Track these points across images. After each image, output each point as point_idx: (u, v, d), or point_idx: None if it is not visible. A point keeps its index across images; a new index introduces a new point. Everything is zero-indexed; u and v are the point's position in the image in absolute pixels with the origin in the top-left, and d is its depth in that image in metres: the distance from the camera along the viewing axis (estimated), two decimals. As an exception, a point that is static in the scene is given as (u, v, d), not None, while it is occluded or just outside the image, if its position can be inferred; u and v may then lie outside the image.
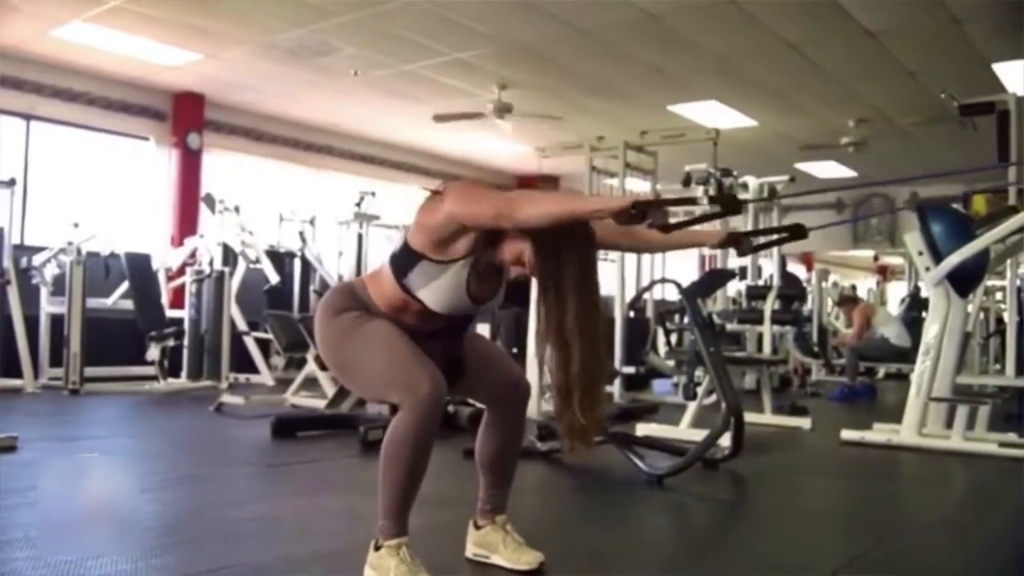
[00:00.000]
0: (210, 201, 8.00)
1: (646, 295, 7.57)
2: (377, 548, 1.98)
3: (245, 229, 7.90)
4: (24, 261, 6.96)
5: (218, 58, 7.90)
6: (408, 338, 1.99)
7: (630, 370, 7.05)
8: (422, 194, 1.98)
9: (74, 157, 8.69)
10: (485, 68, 7.84)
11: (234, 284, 7.57)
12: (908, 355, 6.86)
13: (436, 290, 1.96)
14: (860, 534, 2.83)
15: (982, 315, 8.23)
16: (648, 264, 8.32)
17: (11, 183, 6.83)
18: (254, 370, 7.68)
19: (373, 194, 9.44)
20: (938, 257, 4.62)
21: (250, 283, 8.01)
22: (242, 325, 7.65)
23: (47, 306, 7.07)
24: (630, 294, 7.31)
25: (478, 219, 1.85)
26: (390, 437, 1.93)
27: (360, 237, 9.49)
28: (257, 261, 7.94)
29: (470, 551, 2.25)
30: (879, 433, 4.77)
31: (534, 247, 1.88)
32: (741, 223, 8.67)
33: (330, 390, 5.53)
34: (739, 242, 2.24)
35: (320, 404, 5.45)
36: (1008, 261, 6.10)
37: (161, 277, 8.02)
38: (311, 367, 5.92)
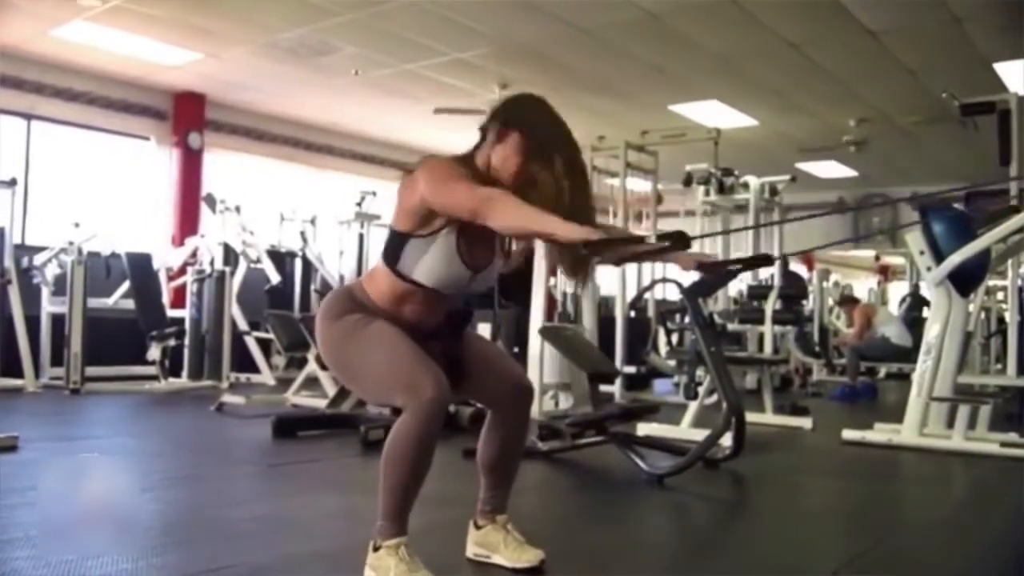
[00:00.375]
0: (211, 201, 8.00)
1: (647, 295, 7.56)
2: (376, 549, 1.98)
3: (246, 229, 7.90)
4: (25, 261, 6.96)
5: (219, 58, 7.91)
6: (411, 340, 1.98)
7: (631, 370, 7.05)
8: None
9: (75, 157, 8.70)
10: (486, 68, 7.84)
11: (235, 284, 7.57)
12: (909, 355, 6.85)
13: (430, 264, 1.96)
14: (861, 534, 2.83)
15: (983, 315, 8.22)
16: (649, 264, 8.31)
17: (12, 183, 6.84)
18: (255, 370, 7.68)
19: (374, 193, 9.44)
20: (939, 257, 4.61)
21: (251, 283, 8.01)
22: (243, 325, 7.65)
23: (48, 306, 7.07)
24: (631, 294, 7.30)
25: (454, 212, 1.89)
26: (392, 439, 1.93)
27: (361, 237, 9.49)
28: (258, 261, 7.94)
29: (470, 551, 2.25)
30: (880, 433, 4.77)
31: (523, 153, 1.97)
32: (741, 221, 8.68)
33: (331, 390, 5.53)
34: (708, 270, 2.27)
35: (321, 404, 5.45)
36: (1009, 261, 6.09)
37: (162, 277, 8.03)
38: (312, 367, 5.92)
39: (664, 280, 5.33)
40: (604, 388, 5.93)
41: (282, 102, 9.49)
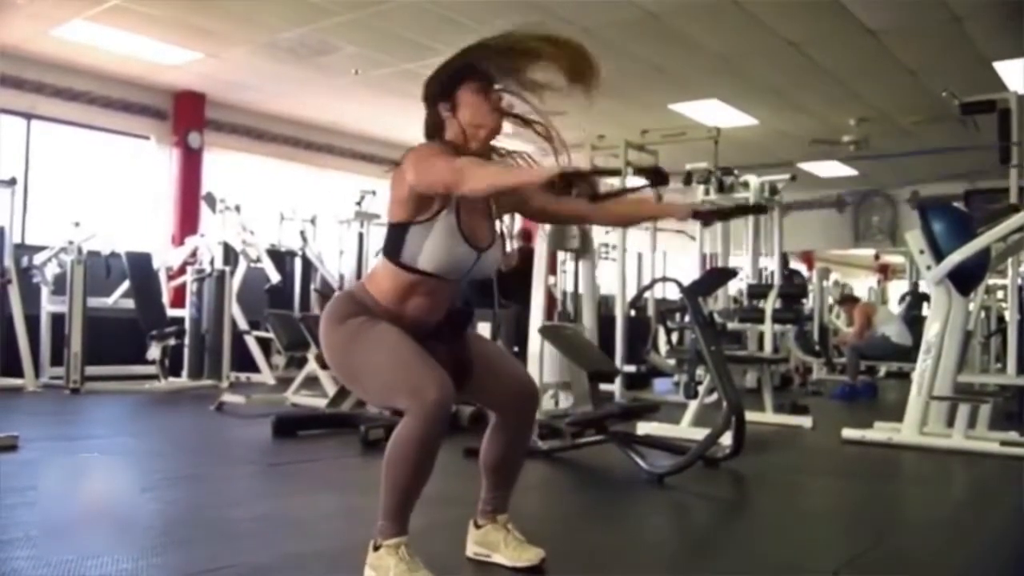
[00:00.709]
0: (211, 200, 8.00)
1: (647, 294, 7.56)
2: (376, 548, 1.98)
3: (246, 228, 7.90)
4: (25, 260, 6.96)
5: (219, 57, 7.90)
6: (415, 343, 1.98)
7: (631, 369, 7.04)
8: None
9: (75, 156, 8.70)
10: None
11: (235, 283, 7.56)
12: (909, 353, 6.85)
13: (433, 248, 1.97)
14: (861, 533, 2.83)
15: (983, 314, 8.21)
16: (649, 263, 8.32)
17: (12, 182, 6.84)
18: (255, 369, 7.68)
19: (374, 193, 9.43)
20: (939, 255, 4.61)
21: (251, 282, 8.01)
22: (243, 324, 7.65)
23: (48, 305, 7.07)
24: (631, 293, 7.30)
25: (433, 189, 1.93)
26: (395, 441, 1.93)
27: (361, 236, 9.48)
28: (258, 260, 7.93)
29: (471, 550, 2.25)
30: (880, 432, 4.77)
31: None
32: (741, 223, 8.66)
33: (331, 389, 5.53)
34: (704, 217, 2.24)
35: (321, 403, 5.45)
36: (1009, 260, 6.09)
37: (162, 276, 8.02)
38: (312, 366, 5.92)
39: (664, 279, 5.33)
40: (604, 387, 5.92)
41: (282, 102, 9.48)
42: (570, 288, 6.85)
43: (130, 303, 7.26)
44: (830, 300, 10.79)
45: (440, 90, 2.06)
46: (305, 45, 7.48)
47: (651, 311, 7.74)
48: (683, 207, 2.19)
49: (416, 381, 1.89)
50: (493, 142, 2.07)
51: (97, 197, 8.65)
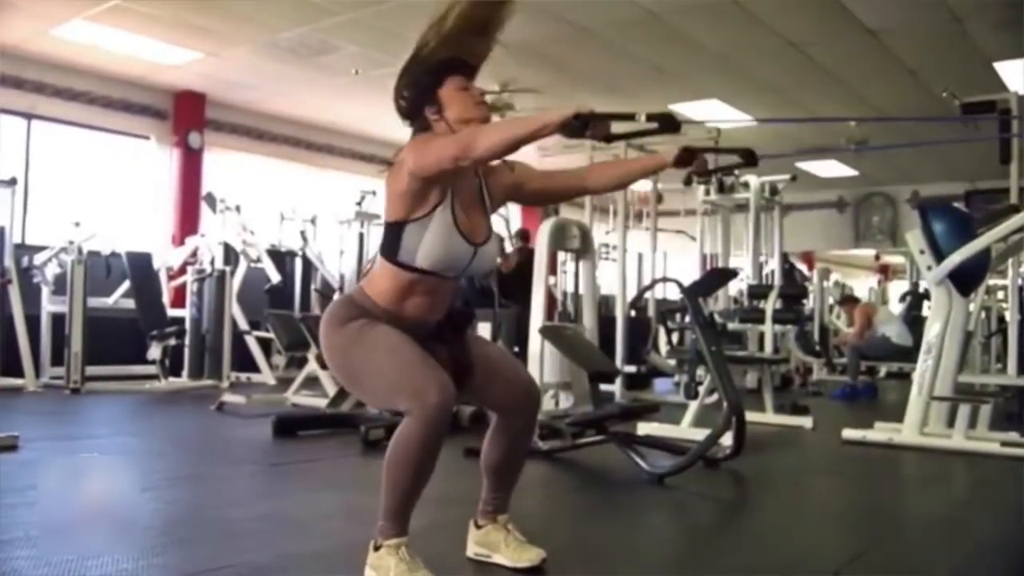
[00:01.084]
0: (211, 200, 8.00)
1: (647, 294, 7.56)
2: (377, 548, 1.98)
3: (246, 228, 7.90)
4: (25, 260, 6.96)
5: (219, 57, 7.90)
6: (416, 344, 1.98)
7: (631, 369, 7.04)
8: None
9: (75, 156, 8.70)
10: (486, 67, 7.82)
11: (235, 283, 7.56)
12: (910, 354, 6.84)
13: (430, 245, 1.97)
14: (862, 533, 2.83)
15: (983, 314, 8.21)
16: (649, 263, 8.32)
17: (12, 182, 6.83)
18: (255, 369, 7.68)
19: (374, 193, 9.43)
20: (940, 256, 4.61)
21: (251, 282, 8.01)
22: (243, 324, 7.65)
23: (48, 305, 7.07)
24: (631, 293, 7.30)
25: (441, 166, 1.90)
26: (396, 442, 1.92)
27: (361, 236, 9.48)
28: (258, 260, 7.93)
29: (471, 551, 2.24)
30: (881, 432, 4.77)
31: None
32: (741, 221, 8.67)
33: (331, 389, 5.53)
34: (693, 158, 2.14)
35: (321, 403, 5.45)
36: (1009, 260, 6.09)
37: (162, 276, 8.03)
38: (312, 366, 5.92)
39: (664, 279, 5.33)
40: (604, 387, 5.92)
41: (282, 101, 9.48)
42: (570, 288, 6.86)
43: (130, 303, 7.26)
44: (830, 300, 10.79)
45: (422, 97, 2.05)
46: (305, 45, 7.48)
47: (651, 311, 7.74)
48: (672, 150, 2.12)
49: (417, 383, 1.89)
50: None
51: (97, 197, 8.65)
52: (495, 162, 2.05)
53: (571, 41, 7.16)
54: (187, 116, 9.21)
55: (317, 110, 9.82)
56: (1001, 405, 5.58)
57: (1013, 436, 4.55)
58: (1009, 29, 6.39)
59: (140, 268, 7.37)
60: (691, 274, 8.06)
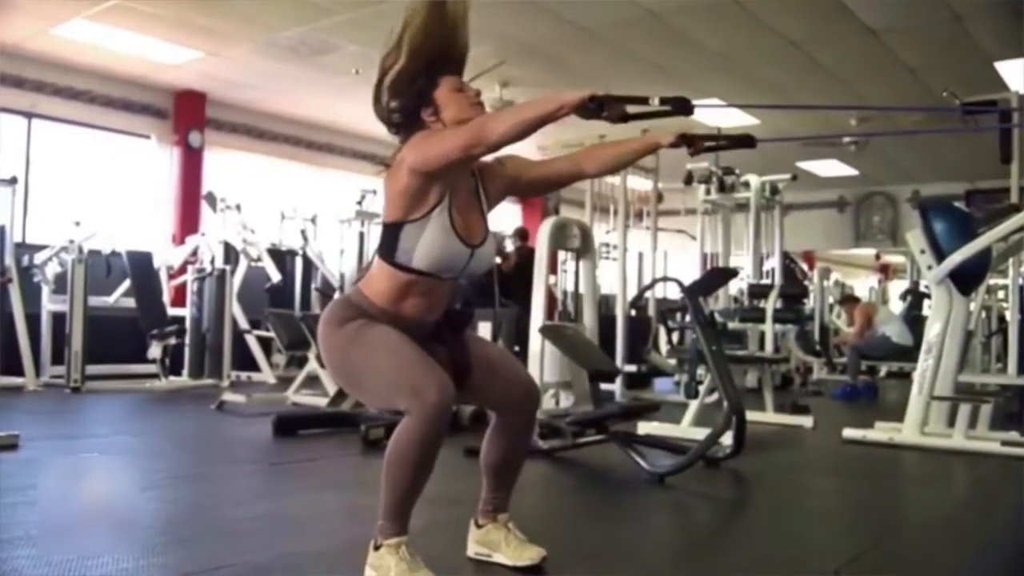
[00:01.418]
0: (211, 199, 8.00)
1: (648, 293, 7.56)
2: (377, 548, 1.98)
3: (247, 227, 7.89)
4: (26, 259, 6.96)
5: (219, 56, 7.90)
6: (414, 344, 1.98)
7: (632, 368, 7.04)
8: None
9: (75, 155, 8.70)
10: (486, 66, 7.82)
11: (235, 282, 7.57)
12: (910, 353, 6.85)
13: (427, 247, 1.96)
14: (862, 532, 2.83)
15: (984, 313, 8.21)
16: (650, 263, 8.31)
17: (13, 181, 6.83)
18: (255, 368, 7.68)
19: (375, 192, 9.42)
20: (940, 255, 4.61)
21: (251, 281, 8.01)
22: (243, 323, 7.65)
23: (49, 304, 7.07)
24: (632, 293, 7.30)
25: (450, 156, 1.89)
26: (395, 441, 1.92)
27: (362, 235, 9.47)
28: (258, 259, 7.93)
29: (471, 550, 2.24)
30: (881, 432, 4.77)
31: None
32: (742, 220, 8.67)
33: (331, 388, 5.53)
34: (691, 141, 2.16)
35: (321, 402, 5.45)
36: (1010, 260, 6.08)
37: (163, 275, 8.03)
38: (312, 365, 5.92)
39: (665, 279, 5.33)
40: (605, 387, 5.92)
41: (283, 101, 9.48)
42: (571, 288, 6.85)
43: (131, 302, 7.27)
44: (831, 300, 10.78)
45: (418, 100, 2.04)
46: (306, 44, 7.48)
47: (652, 311, 7.74)
48: (669, 133, 2.10)
49: (416, 382, 1.89)
50: None
51: (98, 196, 8.64)
52: (488, 158, 2.04)
53: (571, 41, 7.16)
54: (187, 115, 9.21)
55: (317, 109, 9.82)
56: (1001, 405, 5.57)
57: (1013, 436, 4.55)
58: (1009, 29, 6.39)
59: (140, 267, 7.37)
60: (691, 273, 8.06)
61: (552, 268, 6.22)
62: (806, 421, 5.42)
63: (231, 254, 7.83)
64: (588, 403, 4.92)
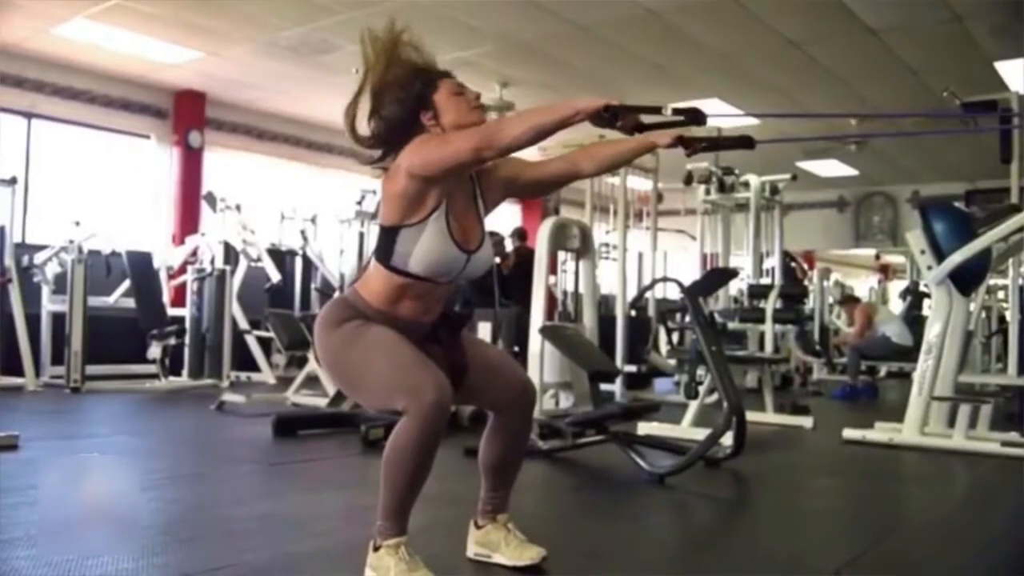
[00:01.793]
0: (211, 199, 8.00)
1: (648, 294, 7.56)
2: (376, 548, 1.97)
3: (246, 227, 7.90)
4: (25, 259, 6.96)
5: (219, 56, 7.90)
6: (411, 344, 1.98)
7: (632, 369, 7.04)
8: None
9: (75, 155, 8.70)
10: (486, 66, 7.83)
11: (235, 282, 7.57)
12: (910, 354, 6.85)
13: (423, 251, 1.96)
14: (862, 533, 2.82)
15: (984, 314, 8.21)
16: (649, 263, 8.31)
17: (12, 181, 6.83)
18: (255, 368, 7.68)
19: (374, 192, 9.42)
20: (940, 256, 4.61)
21: (251, 282, 8.01)
22: (243, 323, 7.65)
23: (48, 304, 7.07)
24: (631, 293, 7.29)
25: (459, 159, 1.89)
26: (393, 441, 1.92)
27: (361, 235, 9.47)
28: (258, 259, 7.93)
29: (471, 551, 2.24)
30: (881, 432, 4.77)
31: None
32: (741, 220, 8.67)
33: (331, 388, 5.53)
34: (688, 143, 2.14)
35: (321, 402, 5.45)
36: (1010, 260, 6.08)
37: (162, 275, 8.03)
38: (312, 366, 5.92)
39: (665, 279, 5.33)
40: (605, 387, 5.92)
41: (282, 100, 9.48)
42: (570, 288, 6.85)
43: (131, 302, 7.26)
44: (831, 300, 10.79)
45: (417, 103, 2.04)
46: (306, 44, 7.48)
47: (652, 311, 7.74)
48: (666, 134, 2.07)
49: (413, 381, 1.89)
50: None
51: (97, 196, 8.64)
52: None
53: (571, 40, 7.16)
54: (187, 115, 9.21)
55: (317, 109, 9.81)
56: (1001, 405, 5.58)
57: (1013, 436, 4.55)
58: (1009, 29, 6.39)
59: (140, 267, 7.37)
60: (691, 274, 8.06)
61: (552, 268, 6.22)
62: (806, 421, 5.42)
63: (231, 254, 7.83)
64: (588, 403, 4.92)
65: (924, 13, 6.43)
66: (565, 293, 7.13)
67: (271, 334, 6.64)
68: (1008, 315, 7.24)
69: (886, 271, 16.76)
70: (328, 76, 8.36)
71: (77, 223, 7.03)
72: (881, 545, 2.62)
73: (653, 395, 7.22)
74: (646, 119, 1.98)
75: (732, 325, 7.31)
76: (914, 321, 8.02)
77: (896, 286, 14.01)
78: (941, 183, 11.99)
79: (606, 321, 6.77)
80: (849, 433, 4.79)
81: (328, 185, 10.66)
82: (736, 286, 8.59)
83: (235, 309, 7.49)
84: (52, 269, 7.07)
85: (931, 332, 4.68)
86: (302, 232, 8.93)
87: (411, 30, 2.07)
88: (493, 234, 7.50)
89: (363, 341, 1.98)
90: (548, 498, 3.39)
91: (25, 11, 6.83)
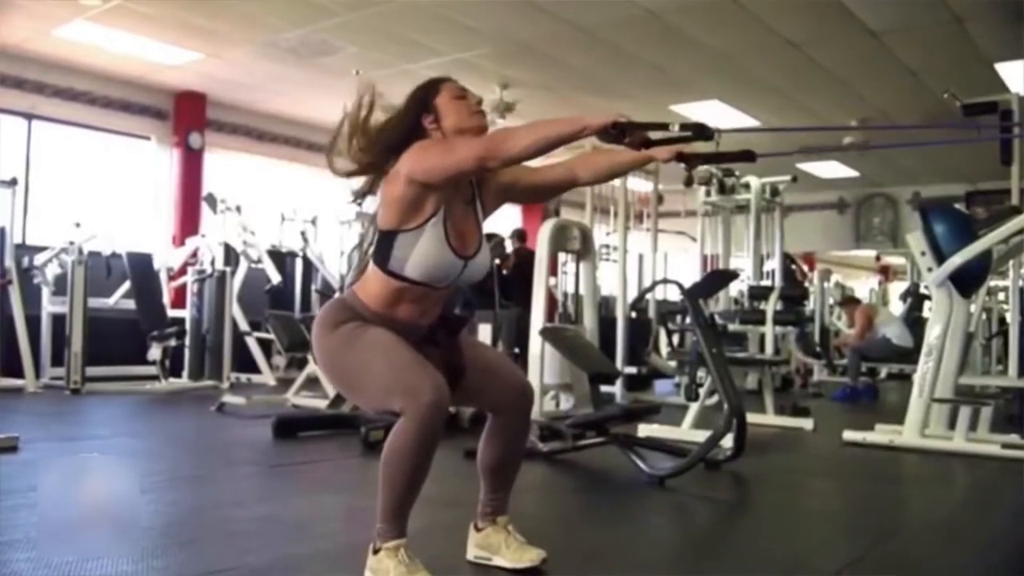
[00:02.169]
0: (212, 201, 8.00)
1: (648, 295, 7.56)
2: (376, 551, 1.97)
3: (247, 229, 7.90)
4: (26, 261, 6.96)
5: (219, 57, 7.90)
6: (409, 346, 1.98)
7: (632, 371, 7.04)
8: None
9: (75, 156, 8.70)
10: (486, 67, 7.84)
11: (236, 284, 7.57)
12: (910, 355, 6.85)
13: (420, 257, 1.96)
14: (862, 534, 2.82)
15: (984, 316, 8.21)
16: (650, 265, 8.31)
17: (13, 183, 6.83)
18: (255, 370, 7.68)
19: (375, 193, 9.42)
20: (941, 257, 4.61)
21: (252, 283, 8.01)
22: (243, 325, 7.65)
23: (49, 306, 7.07)
24: (632, 295, 7.29)
25: (461, 168, 1.89)
26: (391, 443, 1.92)
27: (362, 237, 9.47)
28: (259, 261, 7.94)
29: (471, 553, 2.24)
30: (881, 434, 4.76)
31: None
32: (742, 222, 8.67)
33: (331, 390, 5.53)
34: (688, 159, 2.14)
35: (321, 404, 5.45)
36: (1011, 262, 6.09)
37: (163, 277, 8.03)
38: (312, 367, 5.91)
39: (665, 281, 5.33)
40: (605, 389, 5.92)
41: (283, 102, 9.48)
42: (571, 290, 6.85)
43: (131, 304, 7.26)
44: (831, 302, 10.79)
45: (419, 107, 2.04)
46: (306, 45, 7.48)
47: (652, 313, 7.74)
48: (665, 150, 2.04)
49: (411, 383, 1.89)
50: None
51: (98, 198, 8.64)
52: None
53: (571, 41, 7.16)
54: (187, 116, 9.21)
55: (318, 111, 9.80)
56: (1002, 407, 5.58)
57: (1014, 438, 4.56)
58: (1010, 29, 6.39)
59: (140, 268, 7.37)
60: (692, 275, 8.06)
61: (552, 270, 6.22)
62: (806, 423, 5.42)
63: (231, 255, 7.83)
64: (588, 405, 4.92)
65: (924, 14, 6.43)
66: (565, 295, 7.13)
67: (271, 336, 6.64)
68: (1008, 317, 7.24)
69: (886, 273, 16.76)
70: (328, 78, 8.36)
71: (77, 224, 7.04)
72: (881, 546, 2.62)
73: (653, 397, 7.22)
74: (653, 135, 1.98)
75: (732, 327, 7.31)
76: (914, 323, 8.02)
77: (896, 288, 14.01)
78: (941, 184, 11.99)
79: (606, 323, 6.77)
80: (849, 435, 4.79)
81: (328, 186, 10.65)
82: (736, 288, 8.59)
83: (235, 310, 7.49)
84: (52, 270, 7.08)
85: (931, 334, 4.67)
86: (302, 233, 8.93)
87: (380, 97, 2.06)
88: (493, 235, 7.53)
89: (360, 343, 1.98)
90: (548, 500, 3.38)
91: (26, 12, 6.84)
